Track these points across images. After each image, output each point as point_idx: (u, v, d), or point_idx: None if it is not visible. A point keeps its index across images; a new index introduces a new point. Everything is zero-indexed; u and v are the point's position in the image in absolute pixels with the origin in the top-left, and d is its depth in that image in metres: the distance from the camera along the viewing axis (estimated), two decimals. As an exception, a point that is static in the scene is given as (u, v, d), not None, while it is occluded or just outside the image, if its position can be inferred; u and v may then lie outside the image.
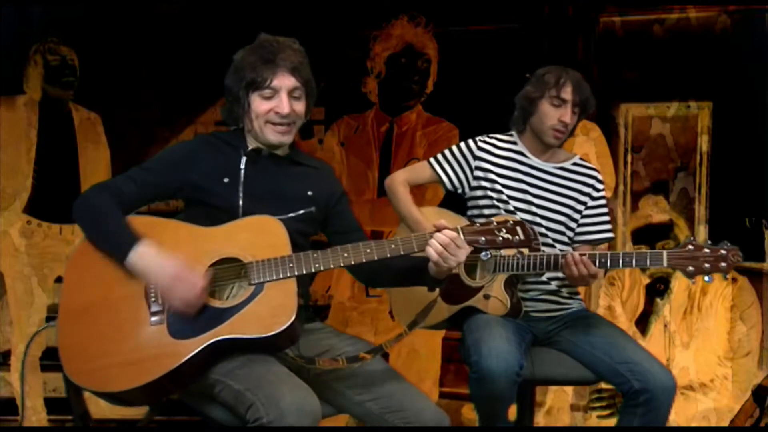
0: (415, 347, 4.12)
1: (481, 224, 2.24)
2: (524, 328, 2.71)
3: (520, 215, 2.75)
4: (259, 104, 2.32)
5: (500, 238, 2.22)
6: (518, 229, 2.23)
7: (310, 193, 2.39)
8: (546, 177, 2.82)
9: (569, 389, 4.03)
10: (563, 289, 2.81)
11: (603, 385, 3.81)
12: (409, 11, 4.23)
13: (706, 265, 2.41)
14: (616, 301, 4.06)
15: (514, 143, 2.86)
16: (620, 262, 2.53)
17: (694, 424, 3.88)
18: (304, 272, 2.18)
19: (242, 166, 2.32)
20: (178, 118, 4.32)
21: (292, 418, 2.00)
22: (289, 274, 2.16)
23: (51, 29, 4.29)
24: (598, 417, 4.00)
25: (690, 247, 2.43)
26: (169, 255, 2.15)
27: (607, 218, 2.86)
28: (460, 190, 2.88)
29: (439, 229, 2.20)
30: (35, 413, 4.18)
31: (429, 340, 4.08)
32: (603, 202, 2.86)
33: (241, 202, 2.28)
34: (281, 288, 2.15)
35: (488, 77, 3.97)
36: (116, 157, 4.31)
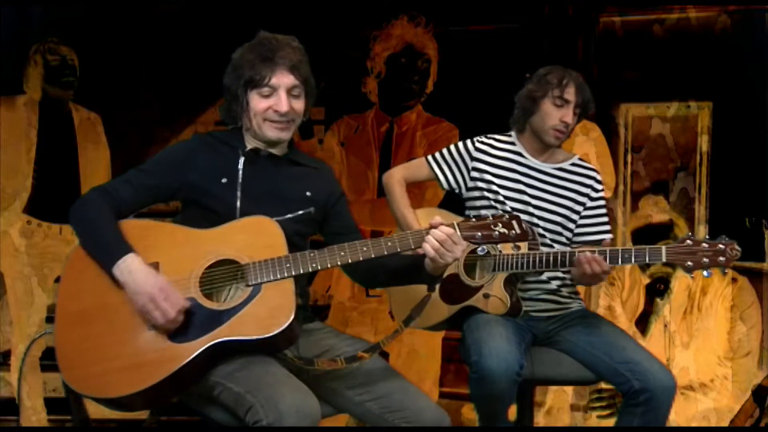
0: (415, 347, 4.12)
1: (477, 219, 2.24)
2: (524, 328, 2.71)
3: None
4: (257, 102, 2.31)
5: (496, 233, 2.22)
6: (514, 223, 2.23)
7: (308, 193, 2.39)
8: (543, 177, 2.82)
9: (569, 389, 4.03)
10: (563, 289, 2.81)
11: (603, 385, 3.81)
12: (409, 11, 4.23)
13: (705, 259, 2.41)
14: (616, 301, 4.06)
15: (512, 143, 2.86)
16: (619, 258, 2.53)
17: (694, 424, 3.88)
18: (302, 272, 2.18)
19: (240, 166, 2.31)
20: (178, 118, 4.31)
21: (291, 420, 1.99)
22: (286, 275, 2.16)
23: (51, 29, 4.28)
24: (598, 417, 4.00)
25: (688, 242, 2.43)
26: (151, 272, 2.14)
27: (605, 219, 2.85)
28: (457, 190, 2.88)
29: (434, 225, 2.20)
30: (35, 413, 4.18)
31: (429, 340, 4.07)
32: (602, 202, 2.86)
33: (239, 203, 2.28)
34: (279, 289, 2.15)
35: (488, 77, 3.97)
36: (116, 157, 4.31)
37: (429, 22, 4.22)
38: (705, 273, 2.41)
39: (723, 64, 3.87)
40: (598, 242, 2.83)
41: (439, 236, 2.18)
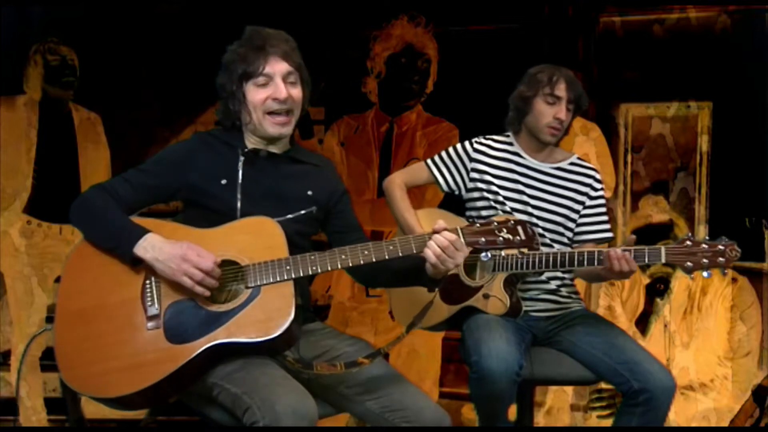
0: (415, 347, 4.12)
1: (481, 224, 2.21)
2: (524, 328, 2.71)
3: (516, 216, 2.75)
4: (254, 94, 2.29)
5: (501, 239, 2.19)
6: (519, 228, 2.20)
7: (309, 192, 2.37)
8: (542, 177, 2.82)
9: (569, 389, 4.03)
10: (563, 289, 2.81)
11: (603, 385, 3.81)
12: (409, 11, 4.23)
13: (704, 260, 2.40)
14: (616, 301, 4.06)
15: (510, 144, 2.86)
16: None
17: (694, 424, 3.88)
18: (302, 275, 2.16)
19: (240, 166, 2.30)
20: (178, 118, 4.31)
21: (287, 422, 1.99)
22: (286, 277, 2.15)
23: (51, 29, 4.28)
24: (598, 417, 4.00)
25: (688, 242, 2.42)
26: (173, 241, 2.15)
27: (605, 218, 2.85)
28: (457, 192, 2.88)
29: (437, 231, 2.18)
30: (35, 413, 4.18)
31: (429, 340, 4.08)
32: (601, 201, 2.85)
33: (239, 204, 2.26)
34: (278, 291, 2.14)
35: (488, 77, 3.97)
36: (116, 157, 4.31)
37: (429, 22, 4.22)
38: (705, 274, 2.40)
39: (723, 64, 3.87)
40: (599, 241, 2.83)
41: (442, 242, 2.15)
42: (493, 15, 4.11)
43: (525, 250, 2.64)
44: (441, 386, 4.16)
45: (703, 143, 3.96)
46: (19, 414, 4.09)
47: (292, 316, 2.11)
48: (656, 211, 4.02)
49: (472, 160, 2.85)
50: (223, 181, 2.28)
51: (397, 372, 2.33)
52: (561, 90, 2.75)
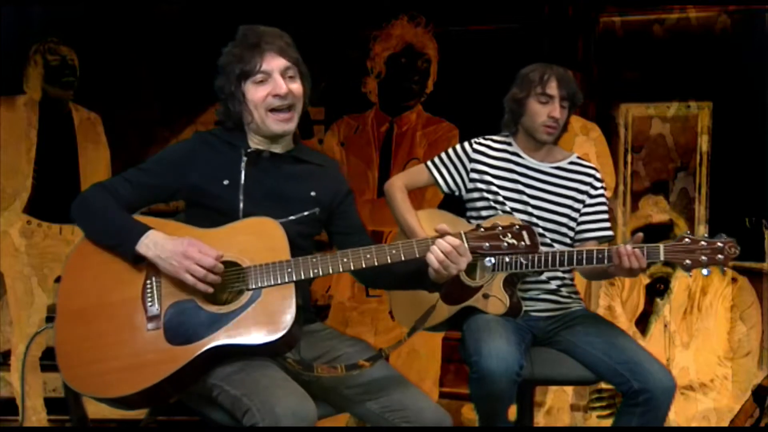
0: (415, 347, 4.12)
1: (486, 229, 2.18)
2: (524, 328, 2.71)
3: (516, 216, 2.75)
4: (254, 92, 2.27)
5: (505, 244, 2.16)
6: (524, 233, 2.16)
7: (313, 193, 2.35)
8: (542, 177, 2.82)
9: (569, 389, 4.03)
10: (563, 289, 2.81)
11: (603, 385, 3.81)
12: (409, 11, 4.23)
13: (703, 257, 2.39)
14: (616, 301, 4.06)
15: (509, 144, 2.86)
16: None
17: (694, 424, 3.88)
18: (303, 278, 2.15)
19: (242, 167, 2.28)
20: (178, 118, 4.31)
21: (287, 424, 1.98)
22: (287, 280, 2.14)
23: (51, 29, 4.28)
24: (598, 417, 4.00)
25: (687, 240, 2.41)
26: (175, 237, 2.14)
27: (605, 216, 2.85)
28: (457, 193, 2.88)
29: (440, 233, 2.16)
30: (35, 413, 4.18)
31: (429, 340, 4.07)
32: (601, 200, 2.85)
33: (241, 205, 2.25)
34: (279, 294, 2.13)
35: (488, 77, 3.97)
36: (116, 157, 4.31)
37: (429, 22, 4.22)
38: (704, 271, 2.40)
39: (723, 64, 3.87)
40: (599, 239, 2.82)
41: (445, 247, 2.13)
42: (493, 15, 4.11)
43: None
44: (441, 386, 4.16)
45: (703, 143, 3.96)
46: (23, 416, 4.09)
47: (293, 319, 2.10)
48: (656, 211, 4.02)
49: (471, 160, 2.85)
50: (226, 182, 2.27)
51: (397, 373, 2.32)
52: (552, 88, 2.74)
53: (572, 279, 2.86)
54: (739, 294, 3.89)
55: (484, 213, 2.82)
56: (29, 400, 4.15)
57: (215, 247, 2.16)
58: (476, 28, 4.16)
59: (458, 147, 2.88)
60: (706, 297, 3.93)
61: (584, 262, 2.55)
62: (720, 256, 2.39)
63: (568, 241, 2.81)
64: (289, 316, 2.10)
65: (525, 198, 2.80)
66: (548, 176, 2.83)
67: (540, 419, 4.00)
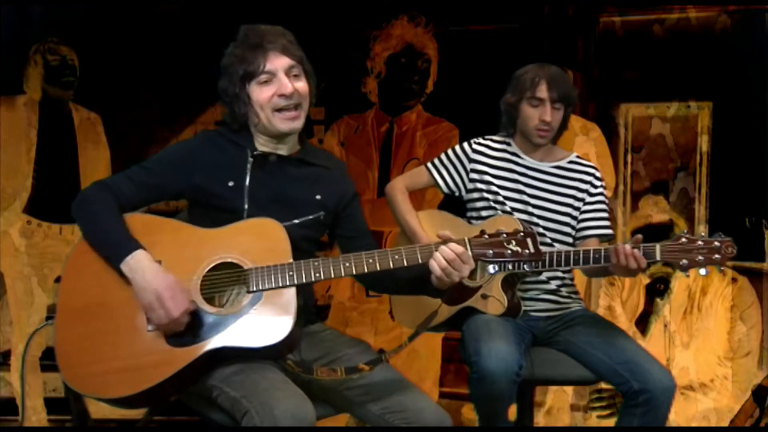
0: (415, 347, 4.12)
1: (490, 236, 2.16)
2: (524, 328, 2.71)
3: (516, 215, 2.75)
4: (259, 93, 2.24)
5: (509, 251, 2.14)
6: (529, 241, 2.14)
7: (318, 197, 2.32)
8: (542, 176, 2.82)
9: (569, 389, 4.03)
10: (563, 289, 2.81)
11: (603, 385, 3.81)
12: (409, 11, 4.23)
13: (700, 257, 2.37)
14: (616, 301, 4.06)
15: (509, 144, 2.87)
16: None
17: (694, 424, 3.88)
18: (304, 281, 2.13)
19: (248, 169, 2.25)
20: (178, 118, 4.31)
21: (286, 426, 1.97)
22: (288, 283, 2.12)
23: (51, 29, 4.28)
24: (598, 417, 4.00)
25: (683, 240, 2.39)
26: (160, 270, 2.11)
27: (605, 215, 2.84)
28: (457, 193, 2.88)
29: (443, 239, 2.14)
30: (35, 413, 4.18)
31: (429, 340, 4.08)
32: (601, 198, 2.85)
33: (246, 206, 2.23)
34: (280, 297, 2.11)
35: (488, 77, 3.96)
36: (116, 157, 4.31)
37: (429, 22, 4.22)
38: (702, 271, 2.38)
39: (723, 64, 3.87)
40: (599, 237, 2.81)
41: (448, 255, 2.12)
42: (493, 15, 4.11)
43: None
44: (441, 386, 4.16)
45: (703, 143, 3.96)
46: (23, 416, 4.08)
47: (293, 323, 2.09)
48: (656, 211, 4.02)
49: (471, 160, 2.85)
50: (230, 183, 2.24)
51: (398, 374, 2.31)
52: (542, 91, 2.74)
53: (572, 279, 2.86)
54: (739, 294, 3.89)
55: (484, 213, 2.82)
56: (29, 400, 4.15)
57: (217, 248, 2.16)
58: (476, 28, 4.16)
59: (458, 147, 2.88)
60: (706, 297, 3.93)
61: (581, 262, 2.55)
62: (717, 255, 2.37)
63: (568, 240, 2.81)
64: (289, 320, 2.09)
65: (525, 198, 2.80)
66: (548, 175, 2.83)
67: (540, 419, 4.00)
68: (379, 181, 4.22)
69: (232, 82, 2.26)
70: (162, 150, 2.37)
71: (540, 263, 2.60)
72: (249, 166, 2.26)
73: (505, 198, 2.79)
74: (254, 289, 2.12)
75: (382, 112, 4.31)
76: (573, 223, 2.82)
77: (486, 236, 2.16)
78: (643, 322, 4.00)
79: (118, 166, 4.23)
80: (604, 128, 4.06)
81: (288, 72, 2.25)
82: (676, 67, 3.96)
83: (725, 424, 3.86)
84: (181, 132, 4.27)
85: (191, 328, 2.11)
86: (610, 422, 3.86)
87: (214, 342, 2.09)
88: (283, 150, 2.32)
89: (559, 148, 2.90)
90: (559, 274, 2.80)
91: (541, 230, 2.76)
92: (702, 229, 3.87)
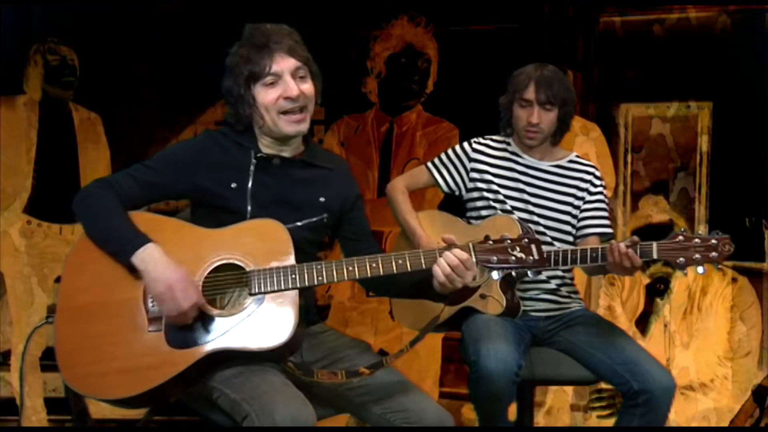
0: (415, 347, 4.11)
1: (494, 241, 2.14)
2: (523, 328, 2.71)
3: (517, 214, 2.75)
4: (264, 95, 2.20)
5: (513, 258, 2.12)
6: (533, 248, 2.13)
7: (322, 199, 2.30)
8: (542, 175, 2.82)
9: (569, 389, 4.03)
10: (562, 289, 2.81)
11: (603, 385, 3.81)
12: (409, 11, 4.23)
13: (697, 255, 2.36)
14: (616, 301, 4.06)
15: (508, 144, 2.87)
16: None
17: (694, 424, 3.88)
18: (307, 285, 2.12)
19: (251, 171, 2.23)
20: (178, 118, 4.31)
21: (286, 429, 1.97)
22: (290, 286, 2.10)
23: (51, 29, 4.28)
24: (598, 417, 4.00)
25: (680, 238, 2.38)
26: (172, 263, 2.09)
27: (605, 213, 2.84)
28: (457, 192, 2.88)
29: (447, 243, 2.13)
30: (35, 413, 4.18)
31: (429, 340, 4.04)
32: (601, 197, 2.85)
33: (249, 207, 2.21)
34: (282, 300, 2.10)
35: (488, 77, 3.96)
36: (116, 157, 4.31)
37: (429, 22, 4.22)
38: (699, 270, 2.36)
39: (723, 64, 3.87)
40: (600, 235, 2.81)
41: (452, 261, 2.10)
42: (493, 15, 4.11)
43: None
44: (441, 386, 4.16)
45: (703, 143, 3.96)
46: (21, 415, 4.08)
47: (295, 326, 2.08)
48: (656, 211, 4.02)
49: (471, 160, 2.85)
50: (233, 185, 2.22)
51: (399, 374, 2.31)
52: (530, 93, 2.73)
53: (572, 278, 2.86)
54: (739, 294, 3.89)
55: (484, 212, 2.82)
56: (29, 400, 4.15)
57: (219, 248, 2.14)
58: (476, 28, 4.17)
59: (458, 147, 2.88)
60: (706, 297, 3.93)
61: (579, 261, 2.55)
62: (714, 253, 2.35)
63: (569, 239, 2.81)
64: (292, 323, 2.08)
65: (526, 197, 2.80)
66: (548, 174, 2.83)
67: (540, 419, 4.00)
68: (379, 181, 4.22)
69: (237, 83, 2.22)
70: (165, 149, 2.35)
71: None
72: (252, 168, 2.24)
73: (506, 197, 2.79)
74: (256, 291, 2.11)
75: (382, 112, 4.31)
76: (573, 222, 2.82)
77: (490, 242, 2.14)
78: (643, 322, 4.00)
79: (118, 166, 4.23)
80: (604, 128, 4.06)
81: (294, 74, 2.22)
82: (676, 67, 3.96)
83: (725, 424, 3.86)
84: (181, 132, 4.27)
85: (193, 330, 2.10)
86: (610, 422, 3.86)
87: (216, 344, 2.08)
88: (286, 151, 2.30)
89: (559, 148, 2.90)
90: (559, 273, 2.80)
91: (541, 229, 2.76)
92: (702, 229, 3.87)
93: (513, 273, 2.50)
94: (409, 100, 4.28)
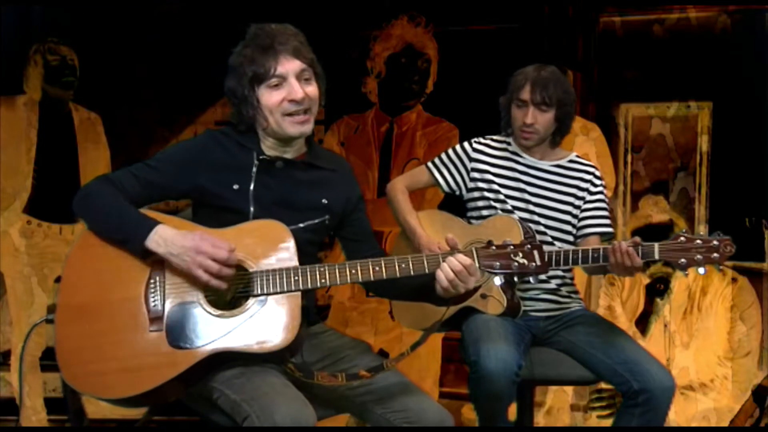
0: (415, 347, 4.12)
1: (497, 247, 2.14)
2: (523, 328, 2.71)
3: (518, 214, 2.75)
4: (268, 97, 2.18)
5: (516, 263, 2.13)
6: (536, 254, 2.13)
7: (324, 201, 2.29)
8: (542, 175, 2.83)
9: (569, 389, 4.03)
10: (563, 288, 2.81)
11: (603, 385, 3.81)
12: (409, 11, 4.23)
13: (698, 256, 2.36)
14: (616, 301, 4.06)
15: (509, 143, 2.87)
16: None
17: (694, 424, 3.88)
18: (309, 287, 2.11)
19: (253, 173, 2.22)
20: (178, 118, 4.32)
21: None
22: (293, 288, 2.09)
23: (51, 29, 4.29)
24: (598, 417, 4.00)
25: (682, 239, 2.38)
26: (187, 232, 2.07)
27: (605, 213, 2.84)
28: (457, 192, 2.88)
29: (451, 248, 2.13)
30: (35, 413, 4.18)
31: (429, 340, 4.03)
32: (601, 197, 2.85)
33: (252, 208, 2.20)
34: (285, 302, 2.09)
35: (488, 77, 3.96)
36: (116, 157, 4.31)
37: (429, 22, 4.22)
38: (700, 270, 2.37)
39: (723, 64, 3.87)
40: (600, 234, 2.81)
41: (455, 266, 2.10)
42: (493, 15, 4.12)
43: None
44: (441, 386, 4.16)
45: (703, 143, 3.96)
46: (21, 415, 4.09)
47: (297, 329, 2.07)
48: (656, 211, 4.02)
49: (471, 159, 2.85)
50: (235, 186, 2.21)
51: (400, 375, 2.30)
52: (525, 93, 2.74)
53: (572, 278, 2.86)
54: (739, 294, 3.89)
55: (484, 212, 2.82)
56: (29, 400, 4.15)
57: None
58: (476, 28, 4.17)
59: (458, 147, 2.88)
60: (706, 297, 3.93)
61: (580, 261, 2.55)
62: (715, 254, 2.36)
63: (569, 239, 2.81)
64: (293, 326, 2.07)
65: (526, 196, 2.80)
66: (549, 174, 2.83)
67: (540, 419, 4.00)
68: (379, 181, 4.23)
69: (241, 84, 2.20)
70: (166, 148, 2.34)
71: None
72: (254, 170, 2.23)
73: (507, 197, 2.79)
74: (258, 292, 2.10)
75: (382, 112, 4.31)
76: (574, 221, 2.82)
77: (493, 247, 2.14)
78: (643, 322, 4.00)
79: (118, 166, 4.20)
80: (604, 128, 4.07)
81: (299, 76, 2.19)
82: (676, 67, 3.96)
83: (725, 424, 3.86)
84: (181, 132, 4.27)
85: (194, 330, 2.09)
86: (610, 422, 3.85)
87: (217, 344, 2.07)
88: (289, 153, 2.29)
89: (559, 148, 2.90)
90: (559, 272, 2.80)
91: (542, 228, 2.76)
92: (702, 229, 3.87)
93: (516, 279, 2.50)
94: (409, 100, 4.29)
